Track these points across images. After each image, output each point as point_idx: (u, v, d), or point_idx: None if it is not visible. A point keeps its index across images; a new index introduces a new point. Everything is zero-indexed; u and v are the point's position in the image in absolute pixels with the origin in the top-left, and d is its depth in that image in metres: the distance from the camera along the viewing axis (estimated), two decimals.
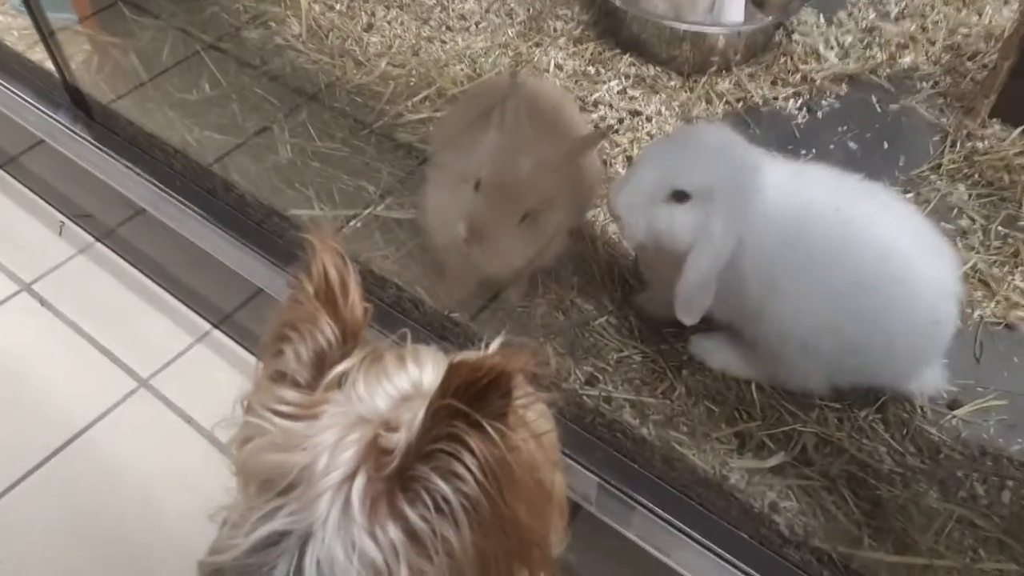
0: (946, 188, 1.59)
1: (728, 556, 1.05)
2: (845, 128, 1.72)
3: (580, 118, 1.53)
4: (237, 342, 1.65)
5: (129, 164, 1.58)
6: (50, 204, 2.00)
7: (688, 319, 1.17)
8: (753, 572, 1.03)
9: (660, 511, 1.09)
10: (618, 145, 1.65)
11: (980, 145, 1.66)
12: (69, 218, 1.95)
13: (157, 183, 1.54)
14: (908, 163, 1.65)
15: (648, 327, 1.33)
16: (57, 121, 1.67)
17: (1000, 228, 1.51)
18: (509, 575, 0.61)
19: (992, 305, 1.39)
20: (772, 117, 1.74)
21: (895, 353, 1.15)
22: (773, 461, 1.14)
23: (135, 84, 1.77)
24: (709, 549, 1.06)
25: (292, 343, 0.64)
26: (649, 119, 1.70)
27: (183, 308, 1.76)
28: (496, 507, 0.57)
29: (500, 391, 0.56)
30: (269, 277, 1.42)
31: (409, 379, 0.65)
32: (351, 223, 1.47)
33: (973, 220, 1.54)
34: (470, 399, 0.55)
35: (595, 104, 1.73)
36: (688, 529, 1.07)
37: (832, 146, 1.69)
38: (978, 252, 1.47)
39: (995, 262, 1.45)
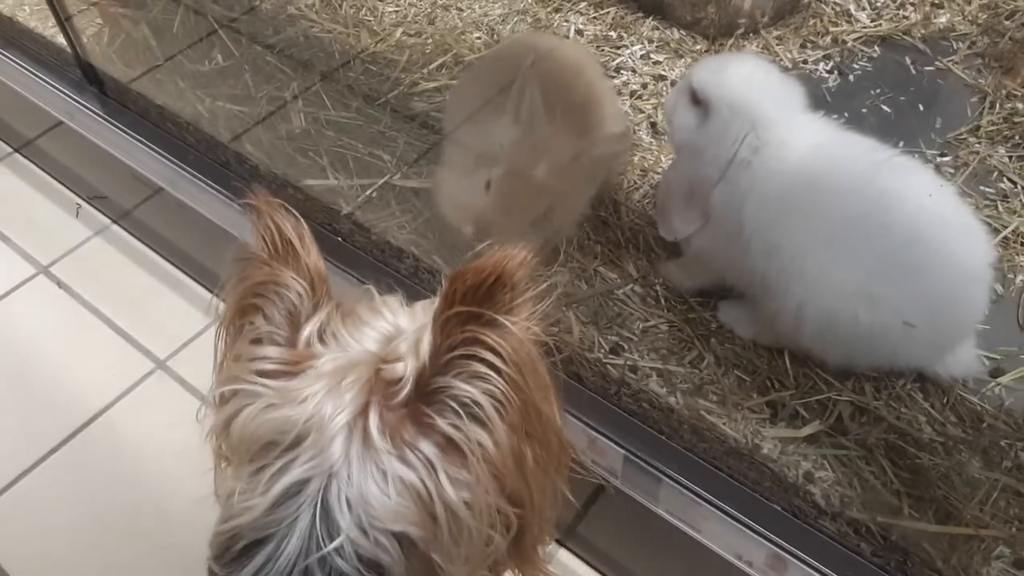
0: (985, 151, 1.52)
1: (761, 529, 1.01)
2: (878, 91, 1.66)
3: (603, 84, 1.48)
4: None
5: (143, 139, 1.55)
6: (66, 186, 1.99)
7: (664, 231, 1.19)
8: (787, 545, 0.99)
9: (689, 483, 1.05)
10: (642, 111, 1.60)
11: (1021, 105, 1.59)
12: (85, 200, 1.94)
13: (172, 158, 1.51)
14: (945, 126, 1.58)
15: (675, 295, 1.28)
16: (71, 98, 1.65)
17: None
18: (542, 474, 0.62)
19: None
20: (802, 81, 1.67)
21: (916, 336, 1.08)
22: (808, 430, 1.09)
23: (147, 57, 1.75)
24: (741, 522, 1.02)
25: (261, 308, 0.64)
26: (674, 84, 1.65)
27: (199, 288, 1.75)
28: (524, 397, 0.58)
29: (505, 287, 0.56)
30: None
31: (389, 323, 0.65)
32: (367, 192, 1.43)
33: (1014, 183, 1.47)
34: (478, 302, 0.56)
35: (618, 70, 1.67)
36: (719, 502, 1.03)
37: (865, 110, 1.62)
38: (1020, 215, 1.41)
39: None
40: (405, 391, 0.58)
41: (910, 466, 1.05)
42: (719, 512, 1.03)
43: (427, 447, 0.57)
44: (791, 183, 1.10)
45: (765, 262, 1.11)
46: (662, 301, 1.28)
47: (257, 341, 0.64)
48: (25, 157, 2.07)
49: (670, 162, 1.48)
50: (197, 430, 1.53)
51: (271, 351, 0.62)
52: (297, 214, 0.67)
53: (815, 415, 1.11)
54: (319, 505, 0.56)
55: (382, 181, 1.45)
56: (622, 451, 1.09)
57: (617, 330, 1.23)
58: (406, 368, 0.59)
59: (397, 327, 0.65)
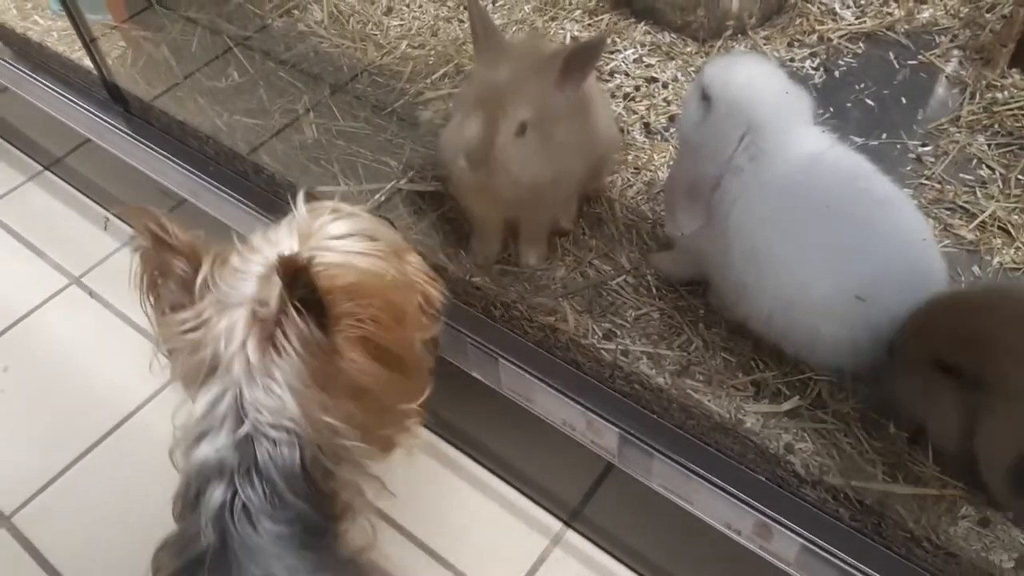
0: (965, 140, 1.59)
1: (747, 499, 1.08)
2: (863, 86, 1.72)
3: (595, 88, 1.55)
4: None
5: (166, 154, 1.65)
6: (94, 201, 2.10)
7: (669, 226, 1.23)
8: (772, 512, 1.06)
9: (680, 458, 1.12)
10: (635, 112, 1.67)
11: (1000, 96, 1.66)
12: (113, 213, 2.04)
13: (193, 170, 1.60)
14: (927, 117, 1.65)
15: (665, 285, 1.36)
16: (98, 117, 1.75)
17: (1020, 176, 1.51)
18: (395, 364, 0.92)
19: (1012, 252, 1.39)
20: (789, 78, 1.75)
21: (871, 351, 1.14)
22: (788, 405, 1.16)
23: (168, 76, 1.84)
24: (729, 493, 1.09)
25: (161, 284, 0.90)
26: (665, 85, 1.72)
27: None
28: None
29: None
30: None
31: (257, 262, 0.89)
32: (376, 197, 1.52)
33: (992, 169, 1.53)
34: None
35: (611, 73, 1.75)
36: (708, 474, 1.10)
37: (850, 104, 1.69)
38: (997, 200, 1.47)
39: (1014, 209, 1.45)
40: (270, 324, 0.84)
41: (885, 435, 1.12)
42: (708, 484, 1.10)
43: (288, 358, 0.84)
44: (777, 196, 1.14)
45: (743, 267, 1.17)
46: (653, 291, 1.36)
47: (170, 307, 0.89)
48: (55, 174, 2.17)
49: (671, 160, 1.56)
50: None
51: (179, 314, 0.88)
52: (152, 210, 0.88)
53: (796, 392, 1.19)
54: (235, 410, 0.85)
55: (390, 186, 1.54)
56: (617, 430, 1.17)
57: (611, 318, 1.31)
58: (271, 311, 0.84)
59: (265, 263, 0.88)
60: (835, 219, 1.11)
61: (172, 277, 0.89)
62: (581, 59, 1.19)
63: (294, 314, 0.81)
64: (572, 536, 1.47)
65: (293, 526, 0.85)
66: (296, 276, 0.79)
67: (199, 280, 0.87)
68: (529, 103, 1.17)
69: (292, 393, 0.84)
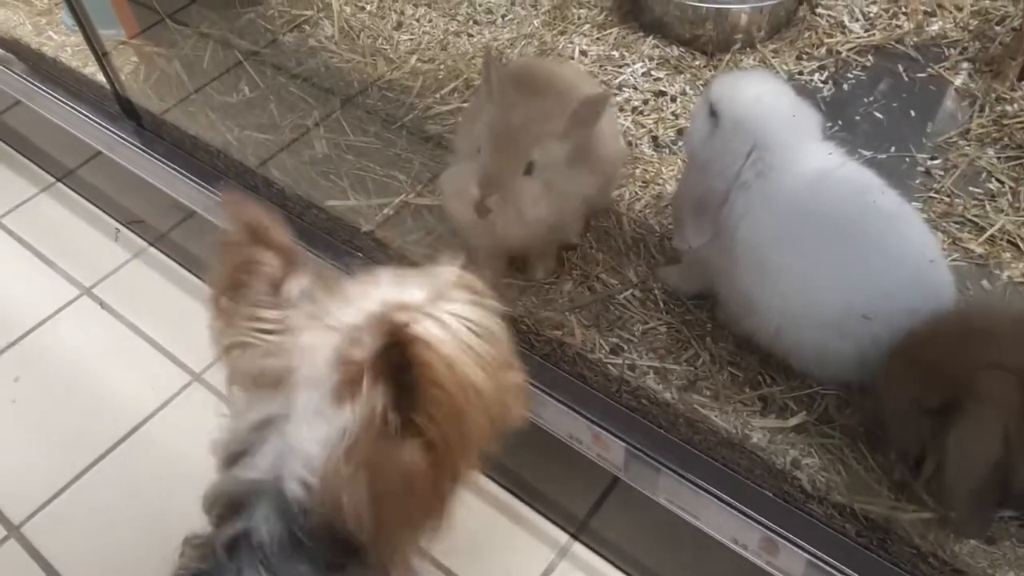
0: (975, 153, 1.58)
1: (754, 514, 1.08)
2: (872, 99, 1.73)
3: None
4: None
5: (177, 167, 1.66)
6: (106, 212, 2.11)
7: (677, 240, 1.25)
8: (778, 528, 1.06)
9: (687, 473, 1.12)
10: (643, 126, 1.68)
11: (1009, 108, 1.65)
12: (124, 225, 2.06)
13: (204, 184, 1.62)
14: (936, 130, 1.65)
15: (673, 299, 1.36)
16: (110, 131, 1.77)
17: None
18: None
19: (1021, 266, 1.39)
20: (798, 91, 1.73)
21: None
22: (794, 421, 1.16)
23: (179, 91, 1.86)
24: (735, 508, 1.09)
25: (248, 281, 0.82)
26: (674, 99, 1.73)
27: None
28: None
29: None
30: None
31: (369, 298, 0.80)
32: (384, 211, 1.53)
33: (1002, 183, 1.53)
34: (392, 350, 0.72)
35: (620, 87, 1.76)
36: (714, 489, 1.10)
37: (858, 117, 1.69)
38: (1007, 214, 1.47)
39: (1023, 223, 1.45)
40: (353, 371, 0.73)
41: (886, 452, 1.12)
42: (715, 499, 1.10)
43: (351, 418, 0.73)
44: (784, 211, 1.14)
45: (750, 282, 1.17)
46: (661, 305, 1.36)
47: (251, 305, 0.81)
48: (67, 186, 2.19)
49: (679, 173, 1.56)
50: None
51: (262, 312, 0.80)
52: (261, 205, 0.83)
53: (803, 407, 1.19)
54: (282, 436, 0.76)
55: (399, 200, 1.55)
56: (624, 444, 1.17)
57: (618, 332, 1.31)
58: (361, 355, 0.74)
59: (376, 301, 0.79)
60: (842, 235, 1.12)
61: (260, 274, 0.82)
62: (586, 113, 1.23)
63: (379, 377, 0.72)
64: (579, 549, 1.47)
65: (314, 565, 0.78)
66: (401, 344, 0.71)
67: (294, 286, 0.81)
68: (536, 145, 1.20)
69: (326, 450, 0.74)
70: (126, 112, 1.77)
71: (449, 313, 0.77)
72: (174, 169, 1.66)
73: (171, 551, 1.47)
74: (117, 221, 2.07)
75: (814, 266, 1.12)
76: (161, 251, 1.98)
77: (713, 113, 1.18)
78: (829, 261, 1.11)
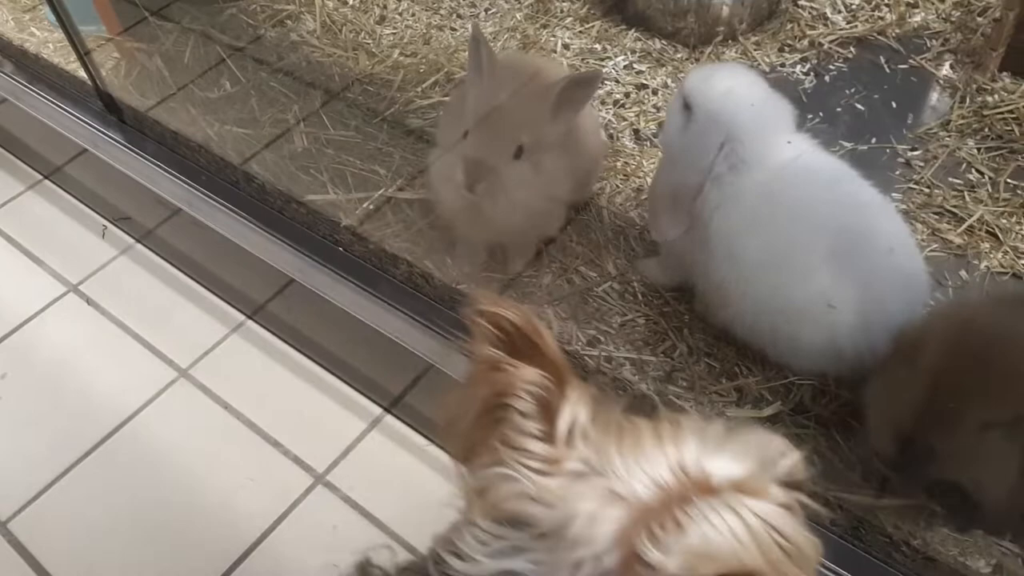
0: (955, 144, 1.59)
1: None
2: (853, 90, 1.73)
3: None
4: (271, 331, 1.73)
5: (161, 164, 1.66)
6: (92, 209, 2.11)
7: (653, 232, 1.25)
8: None
9: None
10: (624, 119, 1.68)
11: (990, 99, 1.66)
12: (110, 221, 2.06)
13: (187, 180, 1.62)
14: (916, 121, 1.65)
15: (652, 291, 1.37)
16: (94, 127, 1.77)
17: (1009, 180, 1.51)
18: None
19: (999, 256, 1.40)
20: (779, 83, 1.75)
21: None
22: (769, 411, 1.17)
23: (162, 87, 1.86)
24: None
25: (513, 406, 0.64)
26: (655, 92, 1.73)
27: (218, 301, 1.85)
28: None
29: None
30: (296, 265, 1.49)
31: (668, 462, 0.59)
32: (364, 205, 1.53)
33: (982, 173, 1.54)
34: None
35: (602, 80, 1.76)
36: None
37: (840, 109, 1.70)
38: (986, 204, 1.47)
39: (1002, 213, 1.45)
40: (635, 559, 0.54)
41: (861, 442, 1.12)
42: None
43: None
44: (756, 203, 1.15)
45: (725, 273, 1.18)
46: (639, 297, 1.37)
47: (517, 434, 0.63)
48: (54, 183, 2.19)
49: (656, 166, 1.57)
50: (219, 433, 1.64)
51: (532, 445, 0.62)
52: (520, 305, 0.66)
53: (778, 397, 1.19)
54: None
55: (379, 194, 1.55)
56: None
57: (596, 324, 1.32)
58: (662, 564, 0.54)
59: (676, 469, 0.59)
60: (813, 225, 1.12)
61: (531, 397, 0.63)
62: (576, 91, 1.22)
63: None
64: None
65: None
66: None
67: (566, 417, 0.63)
68: (527, 127, 1.19)
69: None
70: (109, 109, 1.77)
71: (758, 515, 0.56)
72: (157, 165, 1.66)
73: (153, 542, 1.48)
74: (104, 218, 2.07)
75: (786, 257, 1.13)
76: (148, 247, 1.99)
77: (687, 106, 1.19)
78: (800, 252, 1.12)
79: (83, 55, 1.71)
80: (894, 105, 1.69)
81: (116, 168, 1.77)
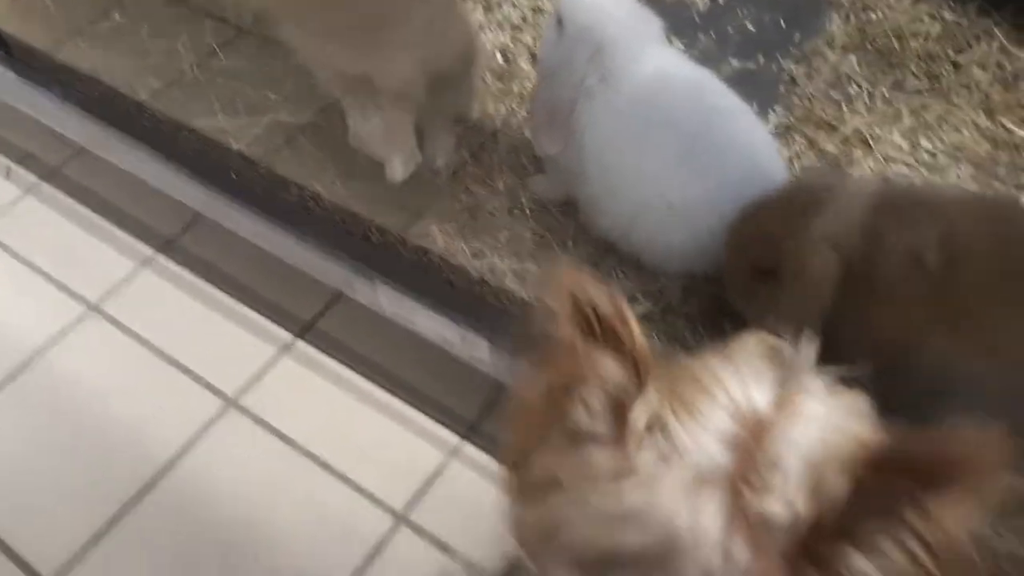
0: (837, 59, 1.64)
1: None
2: (745, 12, 1.77)
3: None
4: (181, 264, 1.73)
5: (54, 97, 1.64)
6: None
7: (537, 148, 1.30)
8: None
9: None
10: (521, 42, 1.70)
11: (874, 16, 1.71)
12: (13, 162, 2.02)
13: (82, 113, 1.61)
14: (803, 39, 1.70)
15: (540, 208, 1.41)
16: None
17: (885, 92, 1.57)
18: None
19: (871, 162, 1.46)
20: (673, 6, 1.79)
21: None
22: (640, 310, 1.23)
23: (49, 20, 1.83)
24: None
25: (579, 398, 0.52)
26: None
27: (127, 236, 1.84)
28: None
29: (965, 480, 0.45)
30: (197, 195, 1.50)
31: (725, 409, 0.50)
32: (253, 130, 1.54)
33: (860, 87, 1.59)
34: (919, 478, 0.45)
35: (498, 4, 1.78)
36: None
37: (731, 29, 1.74)
38: (862, 116, 1.53)
39: (876, 123, 1.51)
40: (790, 541, 0.46)
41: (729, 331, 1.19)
42: None
43: None
44: (625, 113, 1.20)
45: (599, 183, 1.23)
46: (528, 213, 1.41)
47: (579, 438, 0.52)
48: None
49: None
50: (128, 365, 1.62)
51: (598, 457, 0.51)
52: (608, 285, 0.54)
53: (651, 299, 1.25)
54: None
55: (267, 119, 1.56)
56: (488, 344, 1.22)
57: (483, 239, 1.36)
58: (781, 511, 0.46)
59: (738, 415, 0.49)
60: (678, 132, 1.17)
61: (602, 391, 0.51)
62: None
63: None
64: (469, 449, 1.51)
65: None
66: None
67: (641, 411, 0.50)
68: None
69: None
70: None
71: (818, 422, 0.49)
72: (50, 99, 1.64)
73: (72, 477, 1.46)
74: (6, 157, 2.04)
75: (653, 164, 1.17)
76: (54, 186, 1.96)
77: (559, 21, 1.22)
78: (666, 158, 1.17)
79: None
80: (782, 24, 1.74)
81: (10, 105, 1.74)
